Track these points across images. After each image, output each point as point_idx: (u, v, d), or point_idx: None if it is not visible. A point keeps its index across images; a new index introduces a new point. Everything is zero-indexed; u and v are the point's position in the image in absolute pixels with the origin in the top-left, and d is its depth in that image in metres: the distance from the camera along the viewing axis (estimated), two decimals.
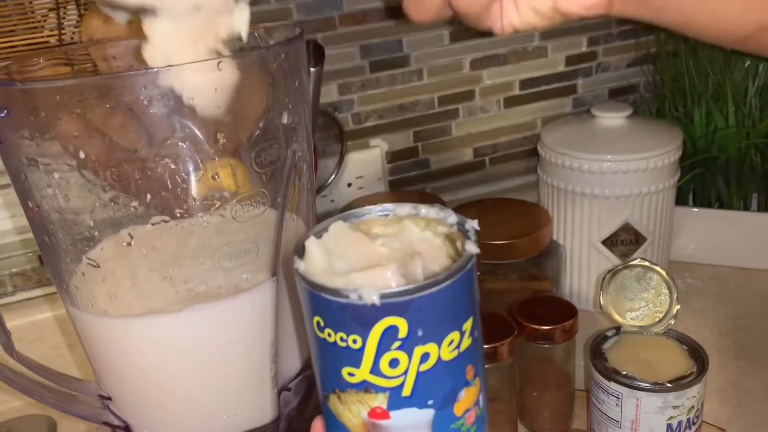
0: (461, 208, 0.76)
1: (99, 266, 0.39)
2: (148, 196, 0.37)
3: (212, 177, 0.37)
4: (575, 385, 0.59)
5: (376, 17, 0.76)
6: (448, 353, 0.27)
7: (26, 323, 0.67)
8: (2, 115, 0.35)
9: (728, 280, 0.78)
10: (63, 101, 0.35)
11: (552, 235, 0.72)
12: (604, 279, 0.54)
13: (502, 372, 0.53)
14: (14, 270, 0.70)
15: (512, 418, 0.56)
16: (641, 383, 0.49)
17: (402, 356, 0.26)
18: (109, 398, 0.42)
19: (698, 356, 0.51)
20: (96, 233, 0.39)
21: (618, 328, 0.54)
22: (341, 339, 0.26)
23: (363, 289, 0.25)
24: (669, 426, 0.49)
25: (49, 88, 0.35)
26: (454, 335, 0.27)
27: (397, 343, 0.26)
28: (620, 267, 0.54)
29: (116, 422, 0.43)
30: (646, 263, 0.53)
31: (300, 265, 0.28)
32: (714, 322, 0.72)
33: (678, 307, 0.52)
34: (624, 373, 0.50)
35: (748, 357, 0.66)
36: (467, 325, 0.27)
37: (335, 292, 0.26)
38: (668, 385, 0.48)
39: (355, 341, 0.26)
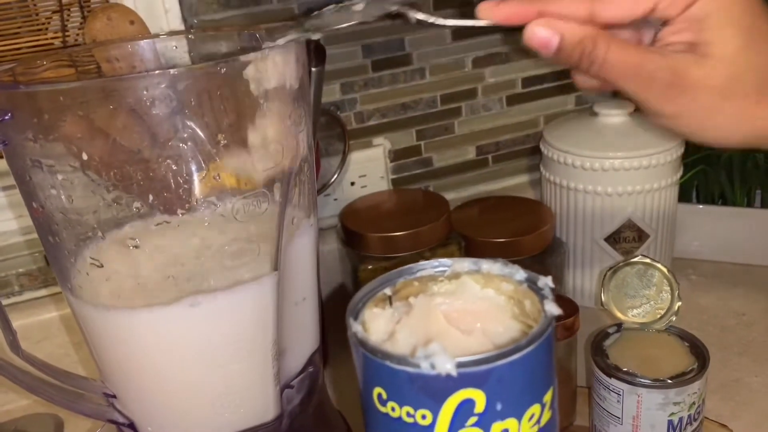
0: (464, 207, 0.77)
1: (103, 266, 0.39)
2: (151, 197, 0.37)
3: (214, 177, 0.38)
4: (577, 381, 0.59)
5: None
6: (528, 429, 0.24)
7: (32, 323, 0.68)
8: (6, 117, 0.35)
9: (732, 277, 0.78)
10: (66, 103, 0.35)
11: (555, 233, 0.72)
12: (605, 276, 0.54)
13: None
14: (20, 270, 0.71)
15: None
16: (642, 380, 0.49)
17: None
18: (114, 396, 0.43)
19: (699, 353, 0.51)
20: (99, 233, 0.39)
21: (619, 325, 0.54)
22: (408, 414, 0.23)
23: (436, 356, 0.22)
24: (670, 422, 0.49)
25: (53, 90, 0.36)
26: (535, 408, 0.24)
27: (473, 419, 0.23)
28: (621, 264, 0.54)
29: (121, 420, 0.43)
30: (647, 260, 0.53)
31: (357, 328, 0.25)
32: (717, 318, 0.72)
33: (679, 303, 0.53)
34: (625, 369, 0.50)
35: (751, 353, 0.66)
36: (548, 397, 0.25)
37: (402, 360, 0.23)
38: (669, 381, 0.48)
39: (424, 417, 0.23)
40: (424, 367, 0.22)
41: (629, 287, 0.55)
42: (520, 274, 0.27)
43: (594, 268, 0.74)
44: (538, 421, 0.24)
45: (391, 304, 0.28)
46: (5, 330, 0.40)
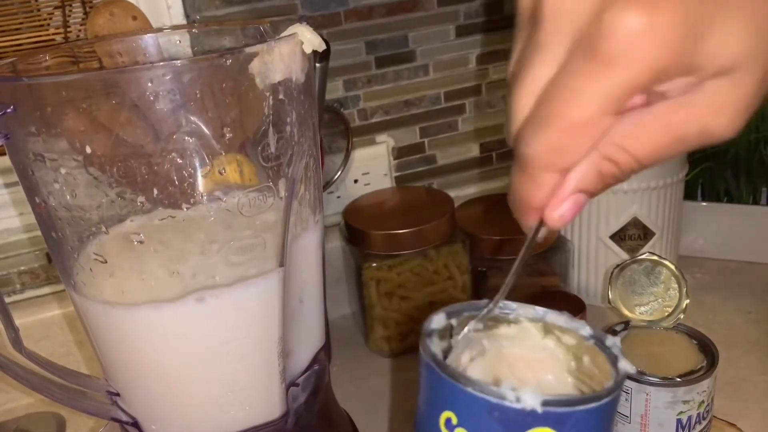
0: (468, 204, 0.76)
1: (106, 261, 0.39)
2: (155, 191, 0.37)
3: (219, 172, 0.37)
4: None
5: (381, 12, 0.76)
6: None
7: (35, 321, 0.67)
8: (9, 110, 0.35)
9: (738, 275, 0.78)
10: (69, 96, 0.35)
11: (559, 231, 0.72)
12: (612, 273, 0.54)
13: None
14: (22, 268, 0.70)
15: None
16: (651, 378, 0.48)
17: None
18: (118, 394, 0.42)
19: (708, 350, 0.50)
20: (103, 228, 0.39)
21: (627, 323, 0.54)
22: None
23: (523, 390, 0.22)
24: (679, 421, 0.49)
25: (56, 84, 0.35)
26: None
27: None
28: (629, 261, 0.54)
29: (125, 418, 0.43)
30: (655, 257, 0.53)
31: (437, 350, 0.25)
32: (723, 316, 0.71)
33: (687, 301, 0.52)
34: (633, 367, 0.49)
35: (758, 351, 0.66)
36: None
37: (487, 388, 0.22)
38: (678, 379, 0.48)
39: None
40: (509, 399, 0.22)
41: (636, 285, 0.54)
42: (586, 330, 0.27)
43: (599, 266, 0.73)
44: None
45: (451, 336, 0.28)
46: (8, 328, 0.40)
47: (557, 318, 0.28)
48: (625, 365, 0.25)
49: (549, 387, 0.28)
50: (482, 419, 0.23)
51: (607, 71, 0.24)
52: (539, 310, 0.29)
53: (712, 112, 0.27)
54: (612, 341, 0.27)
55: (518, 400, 0.22)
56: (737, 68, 0.26)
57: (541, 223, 0.28)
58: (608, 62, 0.24)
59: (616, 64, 0.24)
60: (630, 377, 0.49)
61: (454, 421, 0.23)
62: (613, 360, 0.26)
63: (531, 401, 0.22)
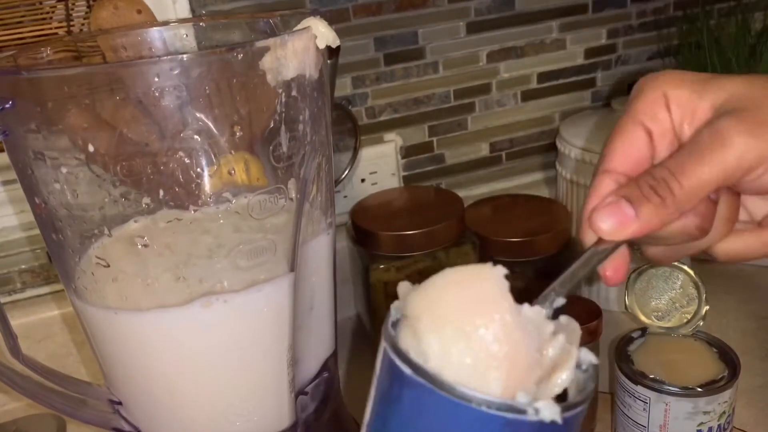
0: (478, 205, 0.75)
1: (109, 265, 0.37)
2: (161, 192, 0.35)
3: (228, 172, 0.36)
4: (598, 387, 0.57)
5: (390, 8, 0.74)
6: None
7: (34, 321, 0.66)
8: (8, 105, 0.33)
9: (752, 279, 0.77)
10: (71, 91, 0.33)
11: (571, 232, 0.70)
12: (629, 278, 0.52)
13: None
14: (22, 267, 0.69)
15: None
16: (671, 387, 0.47)
17: None
18: (120, 403, 0.41)
19: (729, 359, 0.49)
20: (106, 231, 0.37)
21: (644, 330, 0.52)
22: None
23: (541, 402, 0.21)
24: None
25: (57, 78, 0.34)
26: None
27: None
28: (646, 266, 0.52)
29: (127, 428, 0.41)
30: (674, 262, 0.51)
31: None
32: (738, 322, 0.70)
33: (707, 307, 0.51)
34: (652, 376, 0.48)
35: None
36: None
37: (500, 405, 0.21)
38: (699, 389, 0.46)
39: None
40: (530, 414, 0.21)
41: (654, 290, 0.53)
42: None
43: None
44: None
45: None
46: (5, 334, 0.38)
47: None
48: (589, 356, 0.25)
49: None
50: None
51: None
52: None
53: None
54: (568, 320, 0.26)
55: (537, 412, 0.21)
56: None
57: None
58: None
59: None
60: (649, 387, 0.47)
61: None
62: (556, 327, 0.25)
63: (551, 413, 0.21)
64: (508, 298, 0.24)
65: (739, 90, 0.30)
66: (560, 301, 0.27)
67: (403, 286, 0.25)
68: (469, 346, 0.22)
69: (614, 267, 0.31)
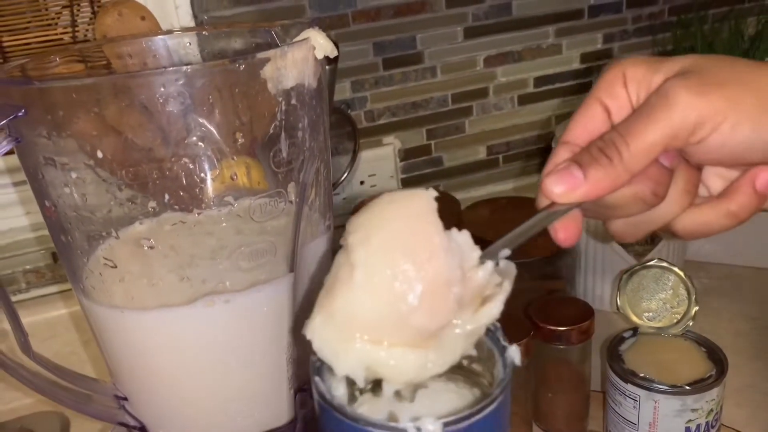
0: (475, 207, 0.76)
1: (116, 266, 0.38)
2: (166, 196, 0.37)
3: (230, 177, 0.37)
4: (591, 386, 0.58)
5: (389, 14, 0.75)
6: None
7: (40, 320, 0.67)
8: (20, 114, 0.34)
9: (744, 281, 0.77)
10: (81, 99, 0.35)
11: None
12: (621, 279, 0.54)
13: (517, 373, 0.53)
14: (28, 267, 0.70)
15: (527, 420, 0.55)
16: (660, 386, 0.48)
17: None
18: (125, 398, 0.42)
19: (717, 358, 0.50)
20: (113, 232, 0.39)
21: (635, 330, 0.54)
22: None
23: (423, 420, 0.22)
24: (687, 429, 0.48)
25: (67, 87, 0.35)
26: None
27: None
28: (638, 267, 0.53)
29: (132, 423, 0.42)
30: (665, 263, 0.53)
31: (322, 386, 0.24)
32: (730, 322, 0.71)
33: (696, 308, 0.52)
34: (642, 375, 0.49)
35: (765, 358, 0.65)
36: None
37: (386, 425, 0.23)
38: (687, 387, 0.48)
39: None
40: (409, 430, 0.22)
41: (645, 290, 0.54)
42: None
43: (606, 270, 0.73)
44: None
45: None
46: (16, 331, 0.39)
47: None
48: (514, 356, 0.26)
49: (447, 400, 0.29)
50: None
51: None
52: None
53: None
54: (497, 327, 0.27)
55: (419, 431, 0.22)
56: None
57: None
58: None
59: None
60: (639, 385, 0.49)
61: None
62: (501, 350, 0.27)
63: (432, 428, 0.22)
64: (434, 215, 0.25)
65: (690, 61, 0.31)
66: (505, 253, 0.28)
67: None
68: (392, 258, 0.24)
69: (566, 228, 0.32)
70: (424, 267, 0.24)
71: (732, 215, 0.33)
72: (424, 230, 0.24)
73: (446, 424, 0.23)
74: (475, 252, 0.27)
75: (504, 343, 0.27)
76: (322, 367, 0.26)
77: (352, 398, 0.28)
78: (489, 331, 0.27)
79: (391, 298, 0.24)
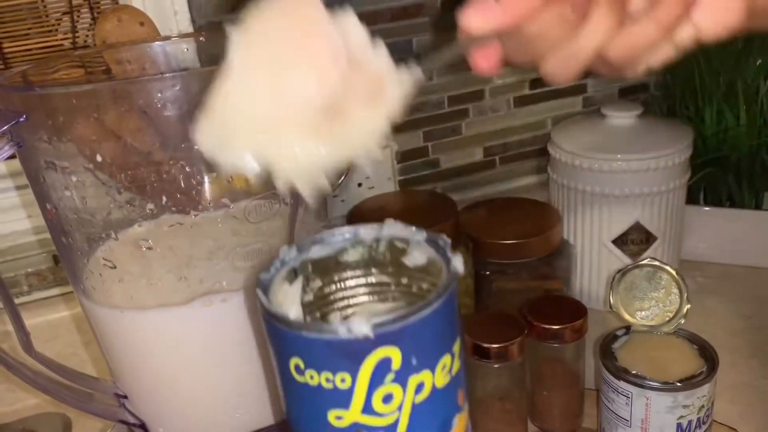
0: (472, 208, 0.76)
1: (115, 267, 0.39)
2: (164, 198, 0.38)
3: (226, 179, 0.38)
4: (585, 384, 0.59)
5: (386, 17, 0.76)
6: (441, 379, 0.25)
7: (42, 322, 0.68)
8: (22, 119, 0.35)
9: (740, 280, 0.78)
10: (81, 105, 0.35)
11: (562, 235, 0.72)
12: (614, 279, 0.54)
13: (513, 371, 0.53)
14: (30, 270, 0.71)
15: (522, 417, 0.56)
16: (651, 382, 0.49)
17: (396, 389, 0.24)
18: (125, 396, 0.43)
19: (708, 355, 0.51)
20: (113, 234, 0.39)
21: (628, 328, 0.54)
22: (326, 380, 0.23)
23: (352, 321, 0.23)
24: (679, 425, 0.49)
25: (67, 93, 0.36)
26: (447, 359, 0.25)
27: (390, 376, 0.24)
28: (630, 267, 0.54)
29: (132, 420, 0.43)
30: (656, 263, 0.53)
31: (264, 301, 0.25)
32: (725, 321, 0.71)
33: (688, 306, 0.52)
34: (634, 372, 0.50)
35: (760, 356, 0.66)
36: (456, 347, 0.26)
37: (319, 328, 0.23)
38: (678, 384, 0.48)
39: (343, 380, 0.23)
40: (342, 333, 0.23)
41: (638, 290, 0.55)
42: (420, 235, 0.28)
43: (601, 270, 0.74)
44: (450, 371, 0.25)
45: (296, 275, 0.29)
46: (18, 331, 0.40)
47: (391, 229, 0.29)
48: (457, 265, 0.26)
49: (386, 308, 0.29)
50: (323, 357, 0.23)
51: None
52: (377, 228, 0.29)
53: None
54: (444, 241, 0.27)
55: (350, 331, 0.23)
56: None
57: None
58: None
59: None
60: (631, 382, 0.49)
61: (302, 365, 0.24)
62: (447, 262, 0.27)
63: (362, 330, 0.23)
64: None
65: None
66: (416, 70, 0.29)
67: None
68: (267, 39, 0.24)
69: (485, 55, 0.31)
70: (301, 43, 0.24)
71: (660, 25, 0.31)
72: (300, 8, 0.24)
73: (376, 325, 0.23)
74: (363, 34, 0.27)
75: (449, 255, 0.27)
76: (269, 285, 0.27)
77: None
78: (438, 247, 0.28)
79: (270, 79, 0.24)
